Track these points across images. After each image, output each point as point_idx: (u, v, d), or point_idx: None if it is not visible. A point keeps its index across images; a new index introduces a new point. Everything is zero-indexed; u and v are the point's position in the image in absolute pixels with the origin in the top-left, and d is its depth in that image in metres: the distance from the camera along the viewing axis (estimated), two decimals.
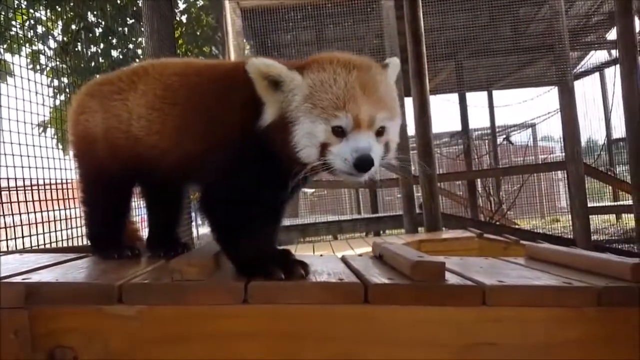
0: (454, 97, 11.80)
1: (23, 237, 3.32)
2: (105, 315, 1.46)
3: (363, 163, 1.46)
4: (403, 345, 1.47)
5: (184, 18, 7.23)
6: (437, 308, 1.46)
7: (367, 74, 1.55)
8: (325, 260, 2.00)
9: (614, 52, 10.41)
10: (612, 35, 10.23)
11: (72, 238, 3.89)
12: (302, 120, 1.49)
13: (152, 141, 1.83)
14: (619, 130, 11.88)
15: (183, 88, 1.82)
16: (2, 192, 3.39)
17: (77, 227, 3.92)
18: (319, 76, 1.51)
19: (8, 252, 2.41)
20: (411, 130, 7.53)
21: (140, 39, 6.76)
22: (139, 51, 6.83)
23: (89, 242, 2.16)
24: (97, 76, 6.46)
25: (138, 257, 2.07)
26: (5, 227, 3.21)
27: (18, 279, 1.57)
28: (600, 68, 12.13)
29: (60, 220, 3.87)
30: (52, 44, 6.35)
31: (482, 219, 10.72)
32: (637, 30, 6.68)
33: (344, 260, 2.04)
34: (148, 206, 2.24)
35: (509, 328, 1.47)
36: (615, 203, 11.34)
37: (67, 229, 3.91)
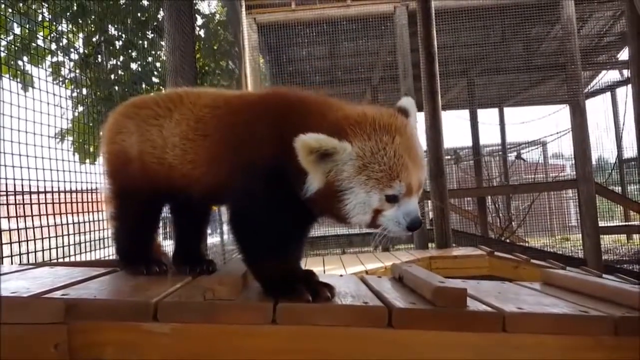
0: (465, 114, 11.86)
1: (50, 248, 3.41)
2: (141, 331, 1.53)
3: (415, 225, 1.57)
4: None
5: (202, 32, 7.37)
6: (459, 333, 1.52)
7: (407, 136, 1.61)
8: (346, 281, 2.06)
9: (626, 72, 10.44)
10: (623, 55, 10.28)
11: (94, 250, 3.97)
12: (356, 191, 1.55)
13: (186, 170, 1.91)
14: (631, 149, 11.84)
15: (213, 120, 1.90)
16: (22, 204, 3.47)
17: (99, 239, 4.01)
18: (367, 145, 1.55)
19: (38, 265, 2.49)
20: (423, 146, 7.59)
21: (159, 53, 6.91)
22: (158, 64, 6.97)
23: (117, 256, 2.23)
24: (116, 88, 6.62)
25: (165, 272, 2.14)
26: (29, 240, 3.29)
27: (57, 294, 1.65)
28: (611, 87, 12.15)
29: (82, 232, 3.96)
30: (73, 56, 6.50)
31: (492, 236, 10.71)
32: None
33: (364, 281, 2.10)
34: (175, 223, 2.31)
35: (527, 354, 1.52)
36: (626, 223, 11.28)
37: (89, 241, 3.99)
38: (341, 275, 2.37)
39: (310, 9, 8.22)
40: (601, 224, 9.66)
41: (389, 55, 9.28)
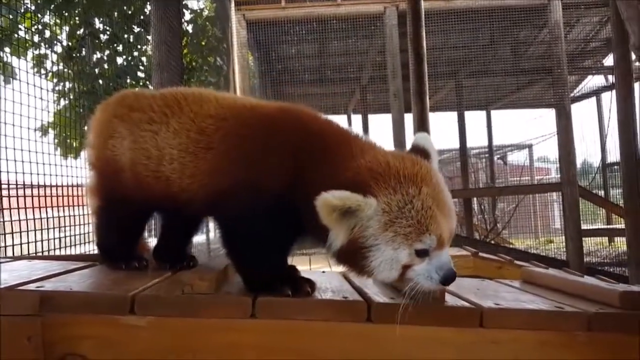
0: (453, 115, 11.95)
1: (29, 242, 3.35)
2: (117, 325, 1.51)
3: (449, 279, 1.48)
4: None
5: (189, 28, 7.32)
6: (437, 328, 1.53)
7: (433, 185, 1.52)
8: (328, 278, 2.06)
9: (611, 78, 10.59)
10: (609, 60, 10.44)
11: (74, 245, 3.92)
12: (383, 247, 1.46)
13: (185, 184, 1.81)
14: (614, 154, 12.03)
15: (219, 132, 1.78)
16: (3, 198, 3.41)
17: (80, 234, 3.96)
18: (393, 199, 1.46)
19: (16, 258, 2.45)
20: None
21: (145, 47, 6.84)
22: (144, 59, 6.90)
23: (97, 249, 2.19)
24: (100, 82, 6.54)
25: (145, 268, 2.11)
26: (7, 234, 3.24)
27: (32, 286, 1.62)
28: (597, 92, 12.32)
29: (63, 226, 3.90)
30: (57, 48, 6.41)
31: (477, 237, 10.81)
32: (633, 58, 6.82)
33: (345, 277, 2.10)
34: (164, 224, 2.25)
35: (504, 349, 1.53)
36: (609, 226, 11.45)
37: (69, 236, 3.93)
38: (324, 272, 2.38)
39: (300, 6, 8.20)
40: (584, 226, 9.79)
41: (379, 55, 9.30)
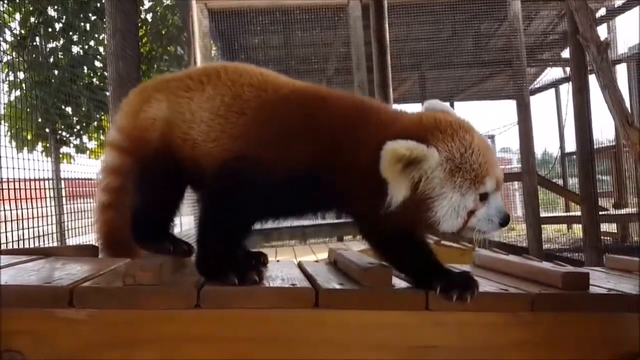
0: (417, 107, 12.08)
1: None
2: (56, 319, 1.46)
3: (506, 220, 1.54)
4: (351, 348, 1.54)
5: (149, 16, 7.12)
6: (384, 312, 1.54)
7: (476, 132, 1.57)
8: (280, 266, 2.05)
9: (568, 70, 10.93)
10: (566, 53, 10.76)
11: (25, 239, 3.77)
12: (450, 195, 1.48)
13: (207, 148, 1.76)
14: (572, 144, 12.43)
15: (256, 100, 1.75)
16: None
17: (30, 228, 3.81)
18: (454, 147, 1.49)
19: None
20: None
21: (102, 36, 6.62)
22: (101, 48, 6.68)
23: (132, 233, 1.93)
24: (55, 72, 6.27)
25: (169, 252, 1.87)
26: None
27: None
28: (555, 84, 12.70)
29: (12, 220, 3.75)
30: (8, 37, 6.12)
31: None
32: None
33: (299, 265, 2.10)
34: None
35: (449, 331, 1.56)
36: (567, 214, 11.87)
37: (18, 230, 3.78)
38: (278, 261, 2.36)
39: None
40: (544, 214, 10.12)
41: (343, 47, 9.29)
